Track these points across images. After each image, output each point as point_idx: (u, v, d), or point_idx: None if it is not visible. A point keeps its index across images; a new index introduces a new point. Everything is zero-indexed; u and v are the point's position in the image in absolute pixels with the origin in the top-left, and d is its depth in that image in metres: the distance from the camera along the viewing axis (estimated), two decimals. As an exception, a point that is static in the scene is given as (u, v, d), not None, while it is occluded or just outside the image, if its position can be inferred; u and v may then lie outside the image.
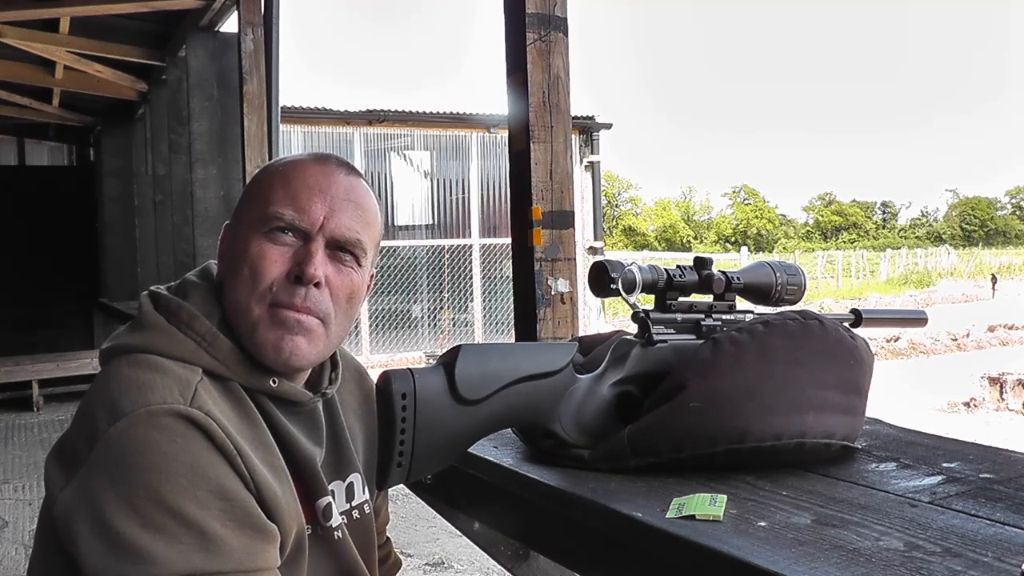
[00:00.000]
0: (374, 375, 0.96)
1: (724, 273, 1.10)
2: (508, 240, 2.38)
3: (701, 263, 1.09)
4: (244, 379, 0.91)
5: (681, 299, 1.08)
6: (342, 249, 0.95)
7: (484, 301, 11.75)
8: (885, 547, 0.73)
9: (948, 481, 0.91)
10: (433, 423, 0.85)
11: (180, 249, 6.00)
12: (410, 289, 11.39)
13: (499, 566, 1.36)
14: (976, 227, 74.61)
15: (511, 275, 2.31)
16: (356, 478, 1.05)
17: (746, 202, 76.72)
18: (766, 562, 0.70)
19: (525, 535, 1.12)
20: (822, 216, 78.06)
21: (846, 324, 1.12)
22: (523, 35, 2.13)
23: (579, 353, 1.05)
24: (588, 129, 12.06)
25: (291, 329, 0.91)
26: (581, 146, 12.01)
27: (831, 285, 26.93)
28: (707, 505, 0.82)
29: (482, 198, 11.82)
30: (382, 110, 10.95)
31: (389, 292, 11.12)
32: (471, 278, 11.71)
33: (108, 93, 7.11)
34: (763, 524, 0.79)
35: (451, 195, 11.80)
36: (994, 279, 25.19)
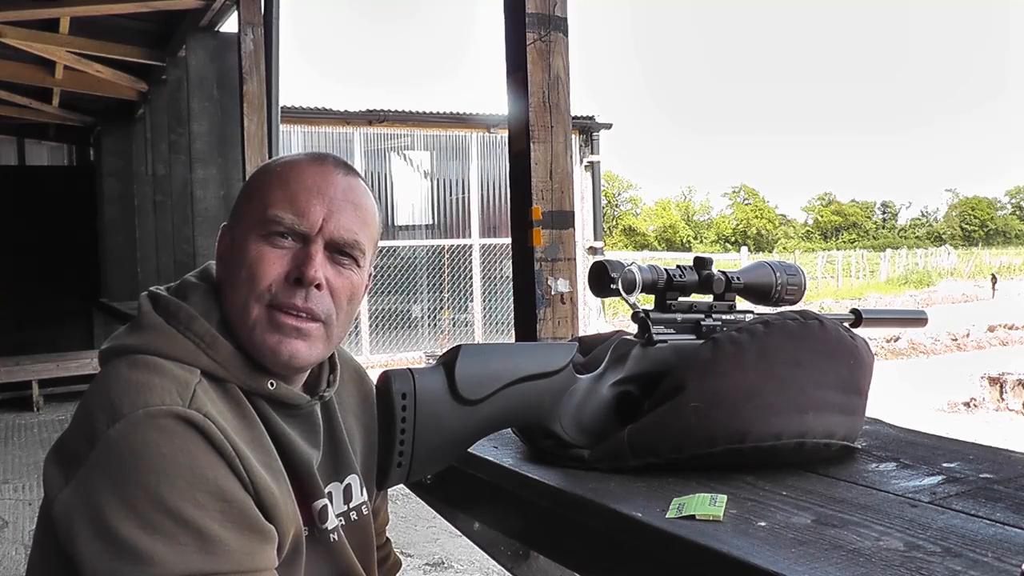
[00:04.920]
0: (374, 375, 0.96)
1: (724, 273, 1.10)
2: (508, 240, 2.38)
3: (701, 263, 1.09)
4: (242, 381, 0.91)
5: (681, 299, 1.08)
6: (341, 251, 0.95)
7: (484, 301, 11.75)
8: (885, 547, 0.72)
9: (948, 481, 0.91)
10: (433, 423, 0.85)
11: (180, 249, 6.00)
12: (410, 289, 11.39)
13: (499, 566, 1.36)
14: (976, 227, 74.64)
15: (511, 275, 2.31)
16: (354, 479, 1.05)
17: (746, 202, 76.75)
18: (766, 562, 0.70)
19: (525, 535, 1.12)
20: (822, 216, 78.09)
21: (846, 324, 1.12)
22: (523, 35, 2.13)
23: (579, 353, 1.05)
24: (588, 129, 12.06)
25: (289, 334, 0.91)
26: (581, 146, 12.01)
27: (831, 285, 26.93)
28: (707, 505, 0.82)
29: (482, 198, 11.82)
30: (382, 110, 10.95)
31: (389, 292, 11.12)
32: (471, 278, 11.71)
33: (108, 93, 7.11)
34: (763, 524, 0.79)
35: (451, 195, 11.80)
36: (994, 279, 25.17)
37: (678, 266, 1.08)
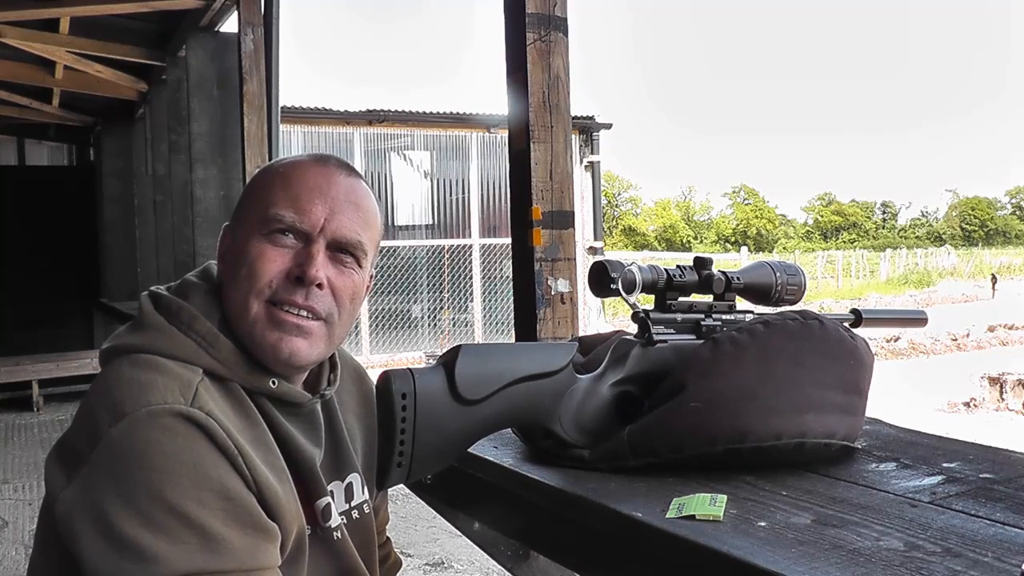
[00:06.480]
0: (374, 375, 0.96)
1: (724, 273, 1.10)
2: (508, 240, 2.38)
3: (701, 263, 1.09)
4: (244, 379, 0.91)
5: (681, 299, 1.08)
6: (343, 250, 0.95)
7: (484, 301, 11.75)
8: (885, 547, 0.73)
9: (948, 481, 0.91)
10: (433, 423, 0.85)
11: (180, 249, 6.00)
12: (410, 289, 11.39)
13: (499, 566, 1.36)
14: (976, 227, 74.60)
15: (511, 275, 2.31)
16: (355, 478, 1.05)
17: (746, 202, 76.74)
18: (766, 562, 0.70)
19: (525, 535, 1.12)
20: (822, 216, 78.08)
21: (846, 324, 1.12)
22: (523, 35, 2.13)
23: (579, 353, 1.05)
24: (588, 129, 12.06)
25: (289, 331, 0.91)
26: (581, 146, 12.02)
27: (831, 285, 26.94)
28: (707, 505, 0.82)
29: (482, 198, 11.82)
30: (382, 110, 10.95)
31: (389, 292, 11.12)
32: (471, 278, 11.71)
33: (108, 93, 7.11)
34: (763, 524, 0.79)
35: (451, 195, 11.81)
36: (994, 279, 25.18)
37: (678, 266, 1.08)
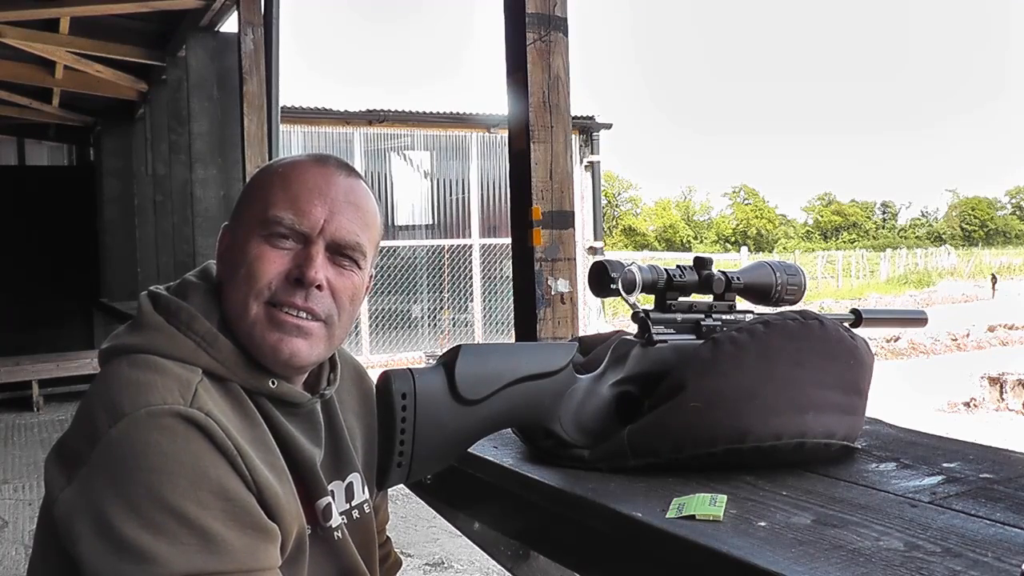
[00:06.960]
0: (374, 375, 0.96)
1: (724, 273, 1.10)
2: (508, 240, 2.38)
3: (701, 263, 1.09)
4: (243, 380, 0.91)
5: (681, 299, 1.08)
6: (342, 252, 0.95)
7: (484, 301, 11.75)
8: (885, 547, 0.73)
9: (948, 481, 0.91)
10: (433, 423, 0.85)
11: (180, 249, 6.00)
12: (410, 289, 11.39)
13: (499, 566, 1.36)
14: (976, 227, 74.63)
15: (511, 275, 2.31)
16: (355, 478, 1.05)
17: (746, 202, 76.76)
18: (766, 562, 0.70)
19: (525, 535, 1.12)
20: (822, 216, 78.10)
21: (846, 324, 1.12)
22: (523, 35, 2.13)
23: (579, 353, 1.05)
24: (588, 129, 12.06)
25: (289, 332, 0.91)
26: (581, 146, 12.01)
27: (831, 285, 26.94)
28: (707, 505, 0.82)
29: (482, 198, 11.81)
30: (382, 110, 10.94)
31: (389, 292, 11.12)
32: (471, 278, 11.71)
33: (108, 93, 7.11)
34: (763, 524, 0.79)
35: (451, 195, 11.80)
36: (994, 279, 25.18)
37: (678, 266, 1.08)
